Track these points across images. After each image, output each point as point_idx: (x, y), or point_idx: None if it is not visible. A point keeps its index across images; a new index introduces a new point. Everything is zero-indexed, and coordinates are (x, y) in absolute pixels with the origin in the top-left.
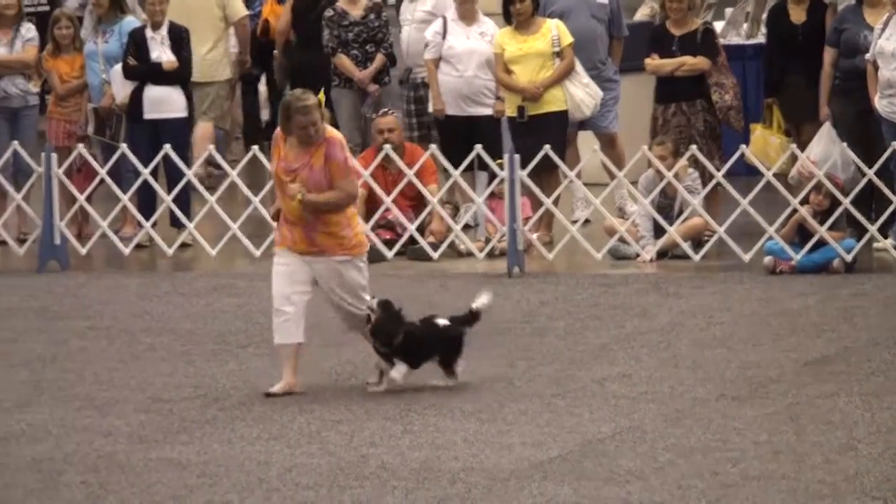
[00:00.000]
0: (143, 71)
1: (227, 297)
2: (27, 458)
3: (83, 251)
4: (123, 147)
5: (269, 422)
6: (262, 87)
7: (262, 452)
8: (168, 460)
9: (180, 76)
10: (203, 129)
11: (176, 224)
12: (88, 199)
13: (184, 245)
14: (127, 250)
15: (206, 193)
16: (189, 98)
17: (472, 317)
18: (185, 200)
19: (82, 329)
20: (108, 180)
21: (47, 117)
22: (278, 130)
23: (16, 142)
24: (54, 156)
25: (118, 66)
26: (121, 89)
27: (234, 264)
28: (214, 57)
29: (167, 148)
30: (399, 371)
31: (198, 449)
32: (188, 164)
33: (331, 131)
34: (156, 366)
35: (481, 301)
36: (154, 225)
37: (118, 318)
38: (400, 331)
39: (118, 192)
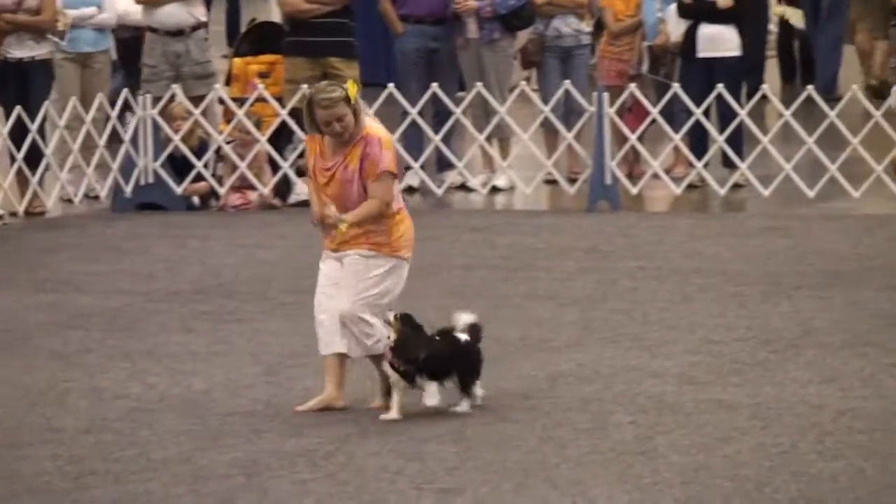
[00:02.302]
0: (696, 9)
1: (780, 239)
2: (576, 398)
3: (634, 191)
4: (676, 86)
5: (821, 365)
6: None
7: (815, 395)
8: (718, 402)
9: (735, 14)
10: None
11: (728, 164)
12: (640, 138)
13: (736, 185)
14: (678, 190)
15: (758, 133)
16: (743, 36)
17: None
18: (738, 140)
19: (632, 269)
20: (660, 120)
21: (599, 56)
22: None
23: (567, 81)
24: (606, 95)
25: (673, 5)
26: (675, 28)
27: (787, 205)
28: None
29: (720, 87)
30: (432, 394)
31: (748, 391)
32: (740, 103)
33: (372, 128)
34: (706, 307)
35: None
36: (706, 165)
37: (669, 258)
38: (424, 347)
39: (670, 131)
